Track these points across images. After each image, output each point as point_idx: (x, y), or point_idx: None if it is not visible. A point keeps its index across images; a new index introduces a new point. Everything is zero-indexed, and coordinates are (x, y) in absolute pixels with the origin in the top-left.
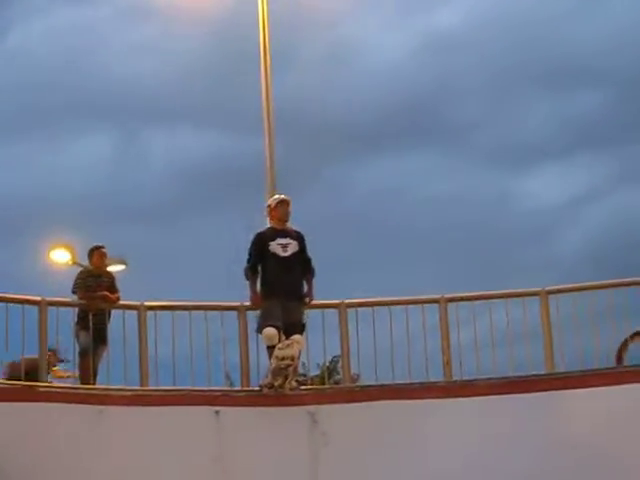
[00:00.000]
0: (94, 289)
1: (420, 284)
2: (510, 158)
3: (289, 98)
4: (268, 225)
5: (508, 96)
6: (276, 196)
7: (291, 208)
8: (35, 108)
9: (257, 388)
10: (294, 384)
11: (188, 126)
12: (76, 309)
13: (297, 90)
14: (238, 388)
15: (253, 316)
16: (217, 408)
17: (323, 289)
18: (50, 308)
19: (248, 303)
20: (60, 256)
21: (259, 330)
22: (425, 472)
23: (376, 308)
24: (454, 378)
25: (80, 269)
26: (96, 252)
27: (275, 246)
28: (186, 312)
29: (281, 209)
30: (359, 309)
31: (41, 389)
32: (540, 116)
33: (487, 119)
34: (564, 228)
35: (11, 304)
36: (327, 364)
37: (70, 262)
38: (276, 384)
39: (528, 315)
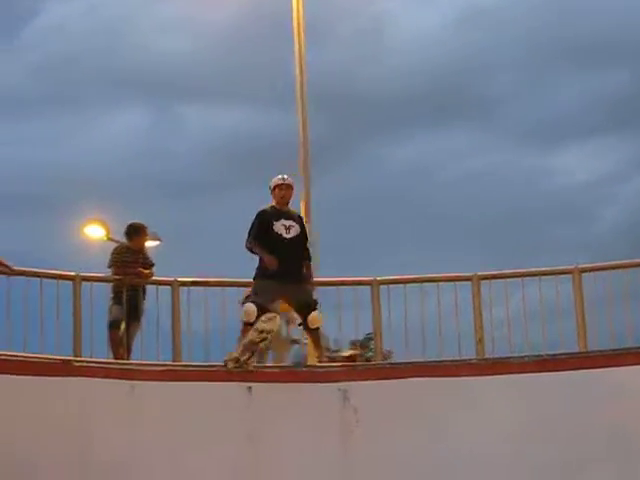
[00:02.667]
0: (131, 265)
1: (453, 261)
2: (543, 135)
3: (324, 74)
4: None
5: (541, 72)
6: (279, 176)
7: (291, 192)
8: (70, 84)
9: (269, 364)
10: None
11: (223, 102)
12: (111, 285)
13: (332, 66)
14: (270, 364)
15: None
16: (249, 384)
17: (356, 266)
18: (84, 283)
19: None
20: (94, 232)
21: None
22: (455, 450)
23: (408, 285)
24: (486, 356)
25: (116, 245)
26: (143, 232)
27: (279, 226)
28: (219, 288)
29: (278, 193)
30: (391, 286)
31: (76, 364)
32: (573, 93)
33: (520, 96)
34: (599, 206)
35: (46, 279)
36: (360, 341)
37: (105, 238)
38: (242, 359)
39: (561, 293)
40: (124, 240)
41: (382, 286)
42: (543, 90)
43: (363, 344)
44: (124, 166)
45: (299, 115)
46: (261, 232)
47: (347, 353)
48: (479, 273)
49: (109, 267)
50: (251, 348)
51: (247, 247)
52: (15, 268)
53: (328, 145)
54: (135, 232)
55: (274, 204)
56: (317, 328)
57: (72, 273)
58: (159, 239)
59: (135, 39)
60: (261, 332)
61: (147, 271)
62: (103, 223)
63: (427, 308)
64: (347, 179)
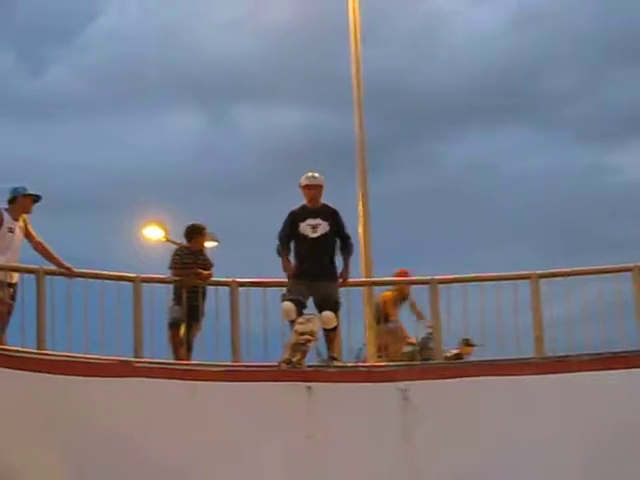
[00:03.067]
0: (190, 266)
1: (513, 259)
2: (603, 131)
3: (379, 72)
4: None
5: (600, 68)
6: (308, 174)
7: (320, 190)
8: (129, 86)
9: (349, 364)
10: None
11: (278, 102)
12: (171, 286)
13: (387, 64)
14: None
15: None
16: (309, 384)
17: (414, 265)
18: (144, 285)
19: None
20: (153, 233)
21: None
22: (516, 449)
23: (467, 284)
24: (546, 355)
25: (176, 246)
26: (203, 232)
27: (305, 227)
28: (277, 288)
29: (307, 193)
30: (450, 285)
31: (137, 365)
32: (633, 88)
33: (579, 92)
34: None
35: (106, 281)
36: (419, 340)
37: (163, 239)
38: (294, 360)
39: (621, 291)
40: (183, 241)
41: (441, 285)
42: (604, 86)
43: (422, 343)
44: (181, 168)
45: (355, 115)
46: (287, 235)
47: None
48: (538, 272)
49: (169, 268)
50: (299, 349)
51: (276, 250)
52: (75, 270)
53: (388, 144)
54: (195, 233)
55: (305, 203)
56: (333, 329)
57: (132, 274)
58: (217, 240)
59: (189, 41)
60: (301, 334)
61: (206, 272)
62: (162, 224)
63: (486, 307)
64: (407, 177)
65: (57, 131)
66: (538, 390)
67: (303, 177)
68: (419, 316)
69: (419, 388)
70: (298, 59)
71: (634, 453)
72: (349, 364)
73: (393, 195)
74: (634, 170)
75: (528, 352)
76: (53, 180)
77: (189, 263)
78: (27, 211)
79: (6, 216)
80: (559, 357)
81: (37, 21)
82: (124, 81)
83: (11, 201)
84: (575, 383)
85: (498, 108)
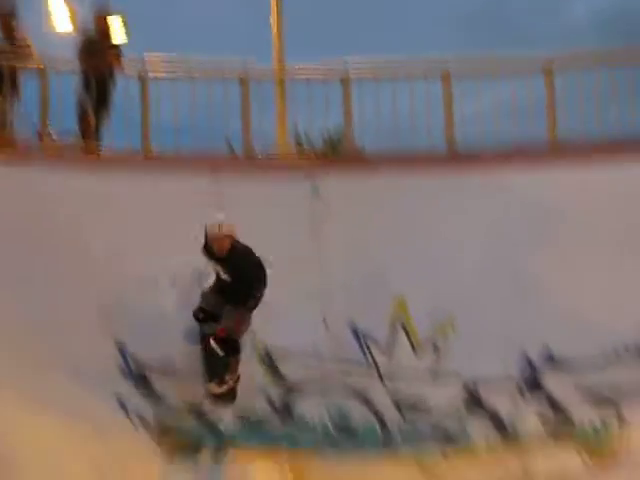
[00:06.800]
0: (99, 55)
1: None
2: None
3: None
4: None
5: None
6: None
7: None
8: None
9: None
10: None
11: None
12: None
13: None
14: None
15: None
16: (217, 174)
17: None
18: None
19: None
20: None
21: None
22: (423, 245)
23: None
24: (457, 151)
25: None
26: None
27: None
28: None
29: None
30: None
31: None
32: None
33: None
34: None
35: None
36: (331, 136)
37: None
38: None
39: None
40: (91, 28)
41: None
42: None
43: (333, 139)
44: None
45: None
46: None
47: None
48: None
49: (77, 57)
50: None
51: None
52: None
53: None
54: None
55: None
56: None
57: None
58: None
59: None
60: None
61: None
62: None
63: (399, 104)
64: None
65: None
66: (447, 187)
67: None
68: None
69: (330, 182)
70: None
71: (535, 248)
72: (260, 156)
73: None
74: None
75: (440, 149)
76: None
77: (98, 50)
78: None
79: None
80: (471, 152)
81: None
82: None
83: None
84: (486, 181)
85: None
